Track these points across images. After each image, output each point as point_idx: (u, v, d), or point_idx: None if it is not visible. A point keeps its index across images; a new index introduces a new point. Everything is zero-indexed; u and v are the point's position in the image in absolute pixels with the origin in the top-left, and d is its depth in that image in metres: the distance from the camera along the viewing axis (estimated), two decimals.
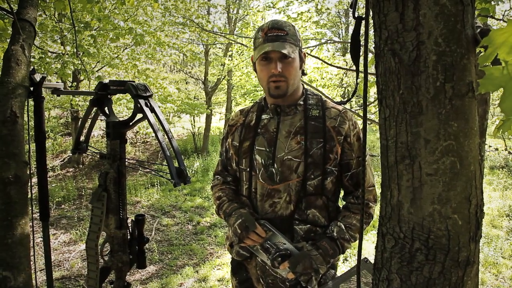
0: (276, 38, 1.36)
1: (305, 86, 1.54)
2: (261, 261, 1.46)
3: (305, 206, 1.41)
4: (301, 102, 1.46)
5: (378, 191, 1.21)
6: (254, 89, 10.84)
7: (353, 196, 1.47)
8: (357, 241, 1.39)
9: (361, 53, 0.94)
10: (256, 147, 1.46)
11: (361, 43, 0.96)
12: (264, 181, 1.44)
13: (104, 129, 10.67)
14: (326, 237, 1.39)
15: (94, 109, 1.47)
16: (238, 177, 1.56)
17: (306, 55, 1.45)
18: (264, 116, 1.51)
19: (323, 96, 1.52)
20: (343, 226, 1.40)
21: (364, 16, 0.86)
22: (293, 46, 1.37)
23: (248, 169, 1.48)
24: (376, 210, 1.54)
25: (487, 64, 0.73)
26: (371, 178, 1.46)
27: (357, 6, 0.97)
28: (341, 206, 1.51)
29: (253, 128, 1.50)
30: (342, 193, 1.54)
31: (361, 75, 0.95)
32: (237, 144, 1.52)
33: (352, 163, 1.43)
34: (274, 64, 1.37)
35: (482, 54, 0.73)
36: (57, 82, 1.68)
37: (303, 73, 1.49)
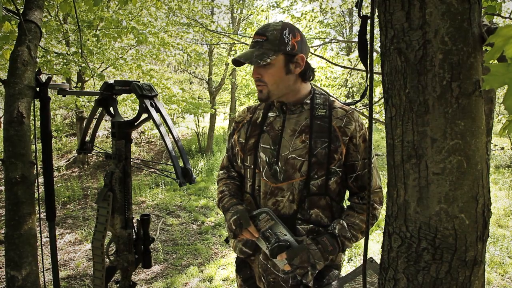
0: (254, 45, 1.40)
1: (313, 86, 1.54)
2: (263, 259, 1.46)
3: (308, 206, 1.41)
4: (308, 101, 1.46)
5: (384, 191, 1.21)
6: None
7: (358, 196, 1.46)
8: (362, 241, 1.38)
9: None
10: (261, 145, 1.47)
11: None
12: (267, 179, 1.44)
13: (109, 129, 10.72)
14: (327, 233, 1.39)
15: (100, 109, 1.48)
16: (243, 174, 1.57)
17: (304, 58, 1.41)
18: (270, 114, 1.51)
19: (332, 96, 1.51)
20: (345, 224, 1.39)
21: (369, 15, 0.85)
22: (270, 52, 1.35)
23: (252, 167, 1.48)
24: (382, 210, 1.53)
25: (493, 61, 0.72)
26: (377, 180, 1.45)
27: (362, 5, 0.96)
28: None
29: (259, 125, 1.50)
30: (347, 194, 1.54)
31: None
32: (243, 141, 1.53)
33: (357, 164, 1.43)
34: (253, 70, 1.41)
35: (488, 51, 0.72)
36: (62, 82, 1.69)
37: (304, 77, 1.45)
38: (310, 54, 1.47)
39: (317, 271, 1.35)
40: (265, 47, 1.36)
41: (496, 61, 0.74)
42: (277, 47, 1.36)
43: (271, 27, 1.38)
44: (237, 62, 1.42)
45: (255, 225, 1.39)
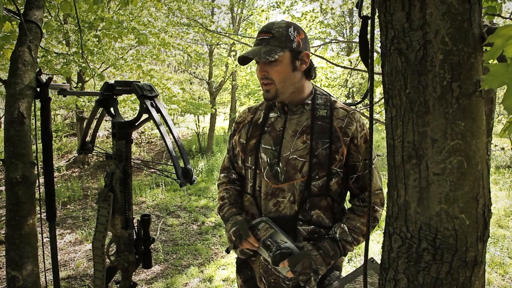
0: (260, 42, 1.39)
1: (314, 86, 1.54)
2: (263, 259, 1.46)
3: (309, 207, 1.40)
4: (309, 102, 1.46)
5: (385, 191, 1.21)
6: (259, 88, 10.84)
7: (359, 198, 1.46)
8: (363, 242, 1.38)
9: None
10: (262, 145, 1.46)
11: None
12: (268, 179, 1.44)
13: (110, 130, 10.72)
14: (328, 238, 1.39)
15: (100, 109, 1.48)
16: (244, 174, 1.56)
17: (309, 55, 1.42)
18: (271, 115, 1.51)
19: (332, 96, 1.51)
20: (346, 228, 1.39)
21: (370, 15, 0.85)
22: (277, 48, 1.35)
23: (253, 167, 1.48)
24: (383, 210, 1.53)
25: (492, 61, 0.72)
26: (378, 181, 1.44)
27: (363, 6, 0.96)
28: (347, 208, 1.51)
29: (260, 126, 1.50)
30: (348, 195, 1.53)
31: (367, 74, 0.95)
32: (244, 142, 1.53)
33: (358, 165, 1.42)
34: (259, 67, 1.40)
35: (487, 51, 0.72)
36: (63, 82, 1.69)
37: (308, 75, 1.47)
38: (310, 54, 1.46)
39: (319, 277, 1.35)
40: (272, 44, 1.36)
41: (495, 61, 0.74)
42: (284, 44, 1.36)
43: (276, 25, 1.39)
44: (243, 60, 1.42)
45: (255, 235, 1.39)
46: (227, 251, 1.53)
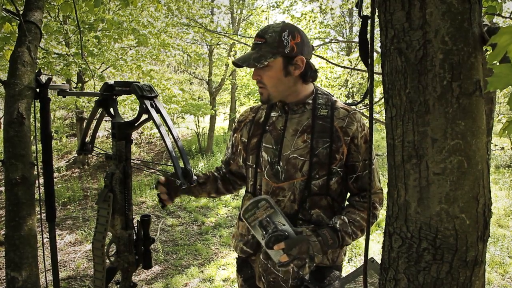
0: (254, 47, 1.42)
1: (316, 86, 1.54)
2: (263, 258, 1.45)
3: (309, 206, 1.41)
4: (310, 101, 1.46)
5: (385, 191, 1.21)
6: None
7: (359, 195, 1.46)
8: (363, 241, 1.38)
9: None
10: (263, 144, 1.47)
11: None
12: (269, 178, 1.44)
13: (109, 130, 10.71)
14: (328, 227, 1.38)
15: (100, 110, 1.48)
16: (244, 173, 1.58)
17: (304, 59, 1.40)
18: (273, 114, 1.52)
19: (333, 97, 1.52)
20: (346, 220, 1.39)
21: (370, 15, 0.85)
22: (268, 54, 1.36)
23: (254, 166, 1.49)
24: (383, 210, 1.52)
25: (495, 62, 0.72)
26: (377, 182, 1.45)
27: (363, 5, 0.96)
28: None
29: (262, 125, 1.52)
30: (348, 195, 1.53)
31: (367, 74, 0.95)
32: (246, 140, 1.54)
33: (358, 165, 1.42)
34: (254, 72, 1.44)
35: (490, 52, 0.72)
36: (62, 83, 1.69)
37: (304, 79, 1.45)
38: (303, 60, 1.45)
39: (314, 264, 1.33)
40: (263, 50, 1.37)
41: (497, 63, 0.74)
42: (275, 50, 1.36)
43: (271, 29, 1.39)
44: (238, 64, 1.44)
45: (253, 213, 1.35)
46: (163, 207, 1.65)
